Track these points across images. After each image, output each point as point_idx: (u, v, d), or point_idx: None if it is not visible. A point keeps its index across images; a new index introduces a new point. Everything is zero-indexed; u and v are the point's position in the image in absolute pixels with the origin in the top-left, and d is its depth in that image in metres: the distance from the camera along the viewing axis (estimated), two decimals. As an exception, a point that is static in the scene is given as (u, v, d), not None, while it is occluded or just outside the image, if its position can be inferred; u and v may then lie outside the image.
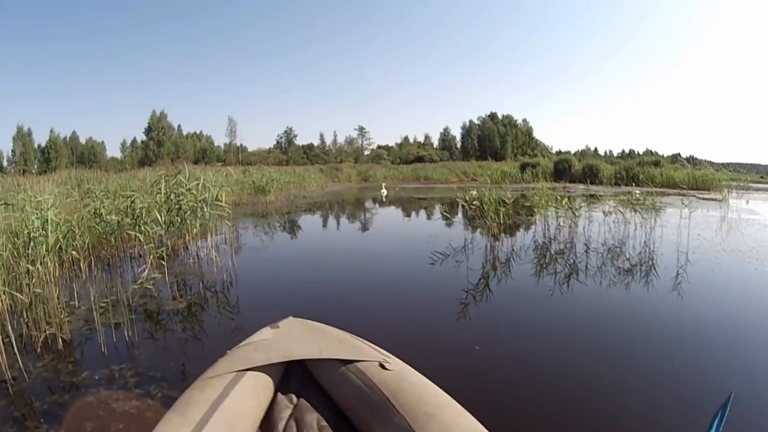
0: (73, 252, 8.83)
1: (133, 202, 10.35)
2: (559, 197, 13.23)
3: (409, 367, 3.59)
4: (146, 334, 6.18)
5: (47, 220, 7.68)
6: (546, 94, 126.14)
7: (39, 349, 5.64)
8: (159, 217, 9.80)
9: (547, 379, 4.76)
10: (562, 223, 12.57)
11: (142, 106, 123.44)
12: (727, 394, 2.88)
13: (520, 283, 8.39)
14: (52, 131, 68.45)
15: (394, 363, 3.59)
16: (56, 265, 7.91)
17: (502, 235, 12.10)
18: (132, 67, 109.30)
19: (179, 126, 75.19)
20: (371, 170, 51.52)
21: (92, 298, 6.28)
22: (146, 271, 7.53)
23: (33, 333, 5.86)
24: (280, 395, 3.71)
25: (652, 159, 44.85)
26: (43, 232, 7.61)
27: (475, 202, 12.09)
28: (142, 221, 9.99)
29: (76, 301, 7.17)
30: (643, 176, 33.44)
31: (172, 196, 10.67)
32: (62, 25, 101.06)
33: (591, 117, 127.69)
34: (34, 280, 6.53)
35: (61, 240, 8.39)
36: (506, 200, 12.24)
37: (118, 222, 10.22)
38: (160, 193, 10.47)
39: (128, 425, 3.97)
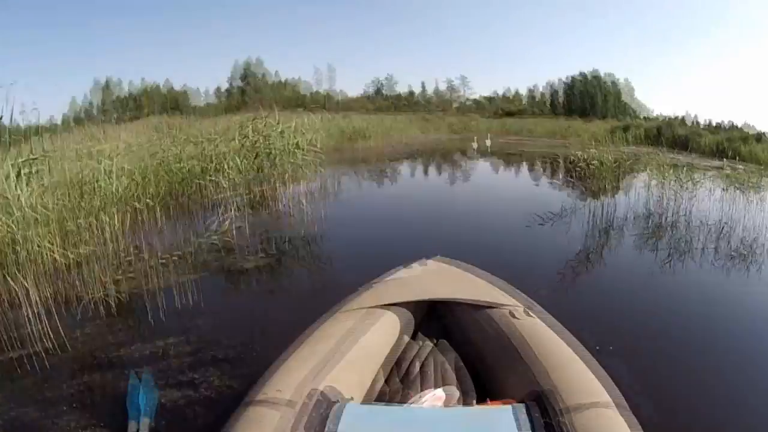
0: (147, 201, 8.06)
1: (216, 146, 9.39)
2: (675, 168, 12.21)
3: (547, 315, 3.61)
4: (216, 296, 5.69)
5: (111, 169, 7.33)
6: (648, 55, 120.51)
7: (89, 313, 5.13)
8: (238, 162, 8.91)
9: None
10: (671, 194, 11.51)
11: (235, 55, 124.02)
12: None
13: (632, 257, 8.11)
14: (143, 80, 68.16)
15: (533, 311, 3.61)
16: (121, 216, 7.34)
17: (614, 199, 11.58)
18: (223, 17, 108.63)
19: (276, 72, 74.18)
20: (466, 121, 50.65)
21: (158, 253, 5.53)
22: (227, 222, 6.75)
23: (83, 295, 5.35)
24: (415, 334, 3.84)
25: (756, 134, 41.97)
26: (109, 181, 7.26)
27: (593, 162, 11.43)
28: (225, 166, 9.06)
29: (144, 256, 6.61)
30: (743, 151, 32.21)
31: (261, 140, 9.72)
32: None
33: (692, 82, 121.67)
34: (88, 236, 5.75)
35: (130, 189, 7.94)
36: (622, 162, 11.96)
37: (202, 168, 9.31)
38: (247, 137, 9.58)
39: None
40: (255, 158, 9.72)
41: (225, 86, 71.73)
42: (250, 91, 67.50)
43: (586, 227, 9.60)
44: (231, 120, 17.09)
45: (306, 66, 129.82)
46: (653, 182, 11.82)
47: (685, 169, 12.03)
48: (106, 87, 66.57)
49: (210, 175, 9.09)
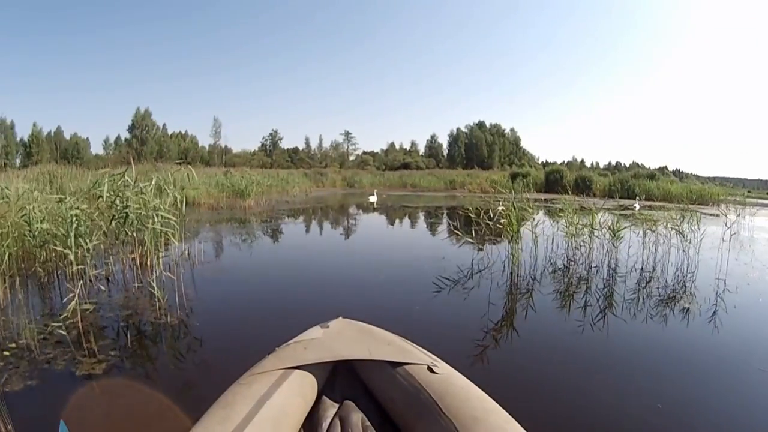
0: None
1: (71, 207, 7.98)
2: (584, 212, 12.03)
3: (456, 371, 3.54)
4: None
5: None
6: (532, 105, 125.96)
7: None
8: (84, 228, 7.61)
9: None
10: (582, 242, 11.25)
11: (127, 103, 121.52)
12: None
13: (546, 312, 7.44)
14: (34, 125, 67.34)
15: (442, 367, 3.54)
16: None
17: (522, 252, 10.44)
18: (119, 65, 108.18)
19: (164, 125, 74.60)
20: (357, 176, 50.31)
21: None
22: (73, 303, 5.91)
23: None
24: (326, 394, 3.71)
25: (647, 172, 43.70)
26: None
27: (502, 220, 10.43)
28: (78, 233, 7.72)
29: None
30: (640, 189, 32.64)
31: (118, 201, 8.41)
32: (49, 20, 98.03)
33: (577, 128, 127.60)
34: None
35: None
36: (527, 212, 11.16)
37: (51, 233, 8.01)
38: (102, 197, 8.27)
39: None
40: (111, 221, 8.34)
41: (123, 136, 71.61)
42: (136, 144, 66.84)
43: (495, 284, 8.91)
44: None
45: (200, 118, 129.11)
46: (565, 231, 11.43)
47: (599, 215, 11.71)
48: (11, 128, 65.48)
49: (60, 242, 7.74)
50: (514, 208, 9.92)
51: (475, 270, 9.81)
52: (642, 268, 10.22)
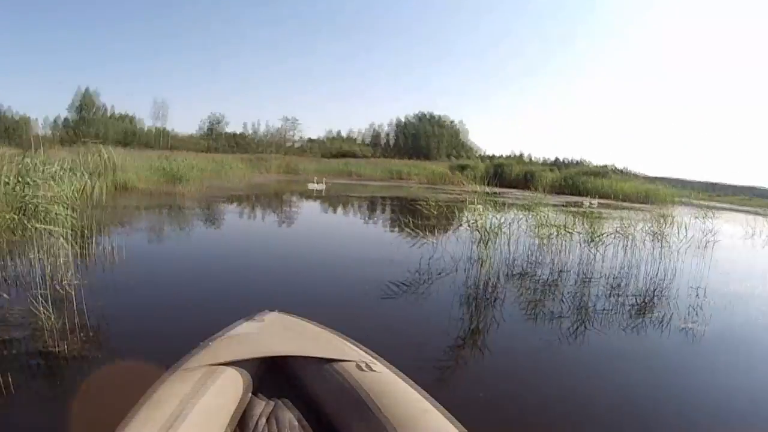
0: None
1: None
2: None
3: (391, 369, 3.53)
4: None
5: None
6: (479, 98, 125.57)
7: None
8: None
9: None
10: (547, 243, 10.70)
11: (73, 85, 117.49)
12: None
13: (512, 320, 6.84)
14: None
15: (376, 364, 3.54)
16: None
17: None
18: (67, 47, 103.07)
19: (112, 107, 72.45)
20: (298, 163, 49.30)
21: None
22: None
23: None
24: (258, 392, 3.60)
25: (596, 169, 43.23)
26: None
27: (478, 221, 9.25)
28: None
29: None
30: (590, 186, 32.07)
31: (18, 188, 7.19)
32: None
33: (522, 123, 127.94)
34: None
35: None
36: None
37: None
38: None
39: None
40: (11, 212, 7.05)
41: (64, 116, 68.82)
42: (82, 125, 64.16)
43: (448, 285, 8.31)
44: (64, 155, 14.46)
45: (145, 100, 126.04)
46: (535, 232, 10.82)
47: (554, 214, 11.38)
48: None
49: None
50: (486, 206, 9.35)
51: (426, 270, 9.13)
52: (614, 275, 9.56)
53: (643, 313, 7.39)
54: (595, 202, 24.79)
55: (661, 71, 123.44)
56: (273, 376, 3.79)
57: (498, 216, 9.67)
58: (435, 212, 10.61)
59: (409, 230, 9.98)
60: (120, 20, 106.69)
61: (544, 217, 10.79)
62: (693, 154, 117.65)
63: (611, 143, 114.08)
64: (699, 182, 41.46)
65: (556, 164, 57.83)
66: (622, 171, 43.62)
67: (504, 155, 75.06)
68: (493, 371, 5.21)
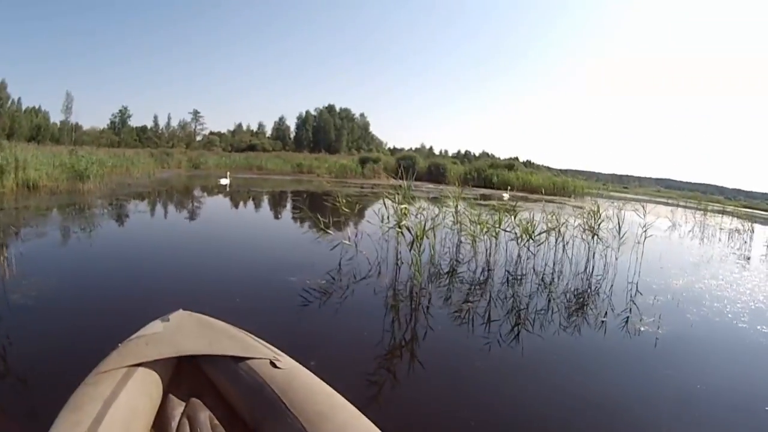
0: None
1: None
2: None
3: (301, 366, 3.53)
4: None
5: None
6: (383, 91, 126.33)
7: None
8: None
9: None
10: (471, 240, 10.35)
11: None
12: None
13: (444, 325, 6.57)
14: None
15: (285, 361, 3.56)
16: None
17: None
18: None
19: (19, 99, 69.31)
20: (203, 157, 48.70)
21: None
22: None
23: None
24: (172, 391, 3.56)
25: (503, 162, 44.13)
26: None
27: (402, 219, 9.22)
28: None
29: None
30: (498, 179, 33.14)
31: None
32: None
33: (425, 117, 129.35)
34: None
35: None
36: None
37: None
38: None
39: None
40: None
41: None
42: (3, 116, 61.40)
43: (362, 280, 8.39)
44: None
45: (53, 92, 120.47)
46: (460, 228, 10.81)
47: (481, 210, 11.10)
48: None
49: None
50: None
51: (343, 273, 8.83)
52: (547, 272, 9.53)
53: (580, 313, 7.31)
54: (506, 195, 24.69)
55: (567, 64, 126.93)
56: (187, 375, 3.80)
57: (422, 213, 9.64)
58: (347, 209, 10.54)
59: (321, 229, 10.10)
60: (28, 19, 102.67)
61: (471, 213, 10.65)
62: (599, 147, 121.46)
63: (515, 137, 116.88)
64: (607, 174, 43.02)
65: (459, 157, 58.83)
66: (529, 164, 44.73)
67: (407, 148, 75.84)
68: (424, 380, 5.05)
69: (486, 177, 35.02)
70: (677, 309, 7.81)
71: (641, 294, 8.50)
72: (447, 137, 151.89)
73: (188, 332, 3.92)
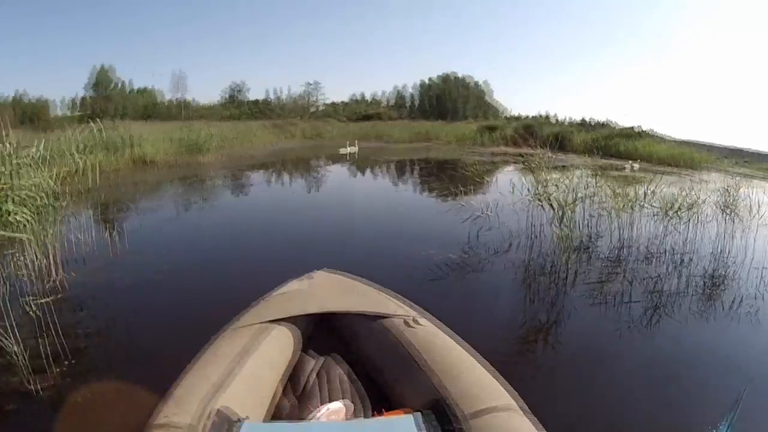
0: None
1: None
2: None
3: (438, 326, 3.58)
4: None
5: None
6: (504, 58, 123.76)
7: None
8: None
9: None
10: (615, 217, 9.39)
11: (89, 63, 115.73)
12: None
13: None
14: None
15: (422, 320, 3.63)
16: None
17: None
18: (78, 23, 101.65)
19: (130, 81, 69.80)
20: (321, 127, 48.42)
21: None
22: None
23: None
24: (308, 347, 3.78)
25: (628, 131, 41.74)
26: None
27: (550, 193, 8.62)
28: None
29: None
30: (622, 149, 32.19)
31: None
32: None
33: (549, 83, 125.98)
34: None
35: None
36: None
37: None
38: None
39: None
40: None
41: (81, 95, 66.34)
42: (101, 101, 63.04)
43: (490, 247, 8.36)
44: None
45: (164, 73, 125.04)
46: (615, 205, 9.48)
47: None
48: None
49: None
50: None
51: (477, 245, 8.61)
52: (683, 251, 8.61)
53: (717, 298, 6.69)
54: (636, 165, 23.83)
55: (685, 34, 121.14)
56: (323, 332, 3.96)
57: (557, 184, 8.85)
58: (477, 178, 10.41)
59: (451, 197, 10.09)
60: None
61: (611, 186, 9.84)
62: (718, 118, 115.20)
63: (635, 105, 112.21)
64: (725, 147, 39.78)
65: (583, 125, 56.49)
66: (649, 134, 42.13)
67: (530, 116, 73.62)
68: (559, 360, 4.91)
69: (609, 146, 33.14)
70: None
71: None
72: (568, 105, 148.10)
73: (328, 290, 4.09)
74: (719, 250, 8.80)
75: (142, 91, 71.06)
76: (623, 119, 71.04)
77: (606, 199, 9.50)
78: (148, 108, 65.62)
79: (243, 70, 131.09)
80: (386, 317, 3.62)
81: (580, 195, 9.01)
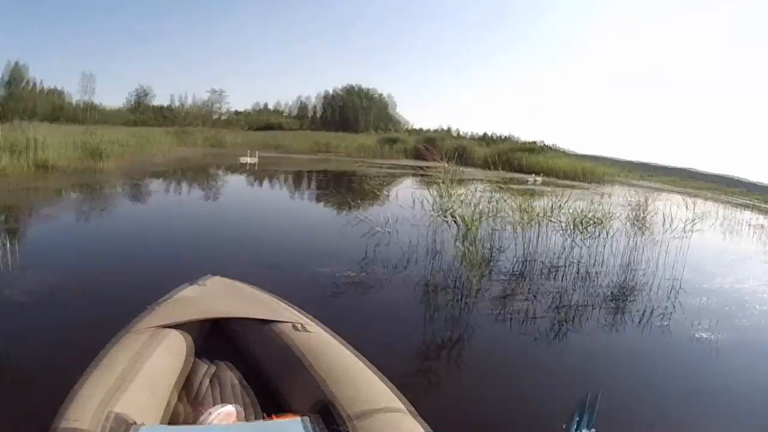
0: None
1: None
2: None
3: (326, 331, 3.75)
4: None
5: None
6: (407, 72, 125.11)
7: None
8: None
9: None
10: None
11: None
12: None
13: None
14: None
15: (311, 325, 3.77)
16: None
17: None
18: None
19: (41, 81, 67.92)
20: (222, 135, 47.89)
21: None
22: None
23: None
24: (202, 353, 3.75)
25: (529, 145, 43.13)
26: None
27: (455, 208, 8.48)
28: None
29: None
30: (524, 162, 32.39)
31: None
32: None
33: (449, 98, 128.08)
34: None
35: None
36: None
37: None
38: None
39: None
40: None
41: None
42: (10, 101, 60.68)
43: (380, 255, 8.51)
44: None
45: (73, 74, 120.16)
46: (520, 218, 9.62)
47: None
48: None
49: None
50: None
51: (375, 259, 8.52)
52: (588, 264, 8.85)
53: (623, 309, 6.95)
54: (539, 179, 24.49)
55: (587, 49, 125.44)
56: (216, 337, 3.95)
57: (469, 200, 8.84)
58: (377, 191, 10.74)
59: (350, 211, 9.63)
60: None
61: (514, 200, 9.87)
62: (619, 133, 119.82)
63: (538, 120, 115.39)
64: (627, 161, 41.76)
65: (485, 139, 57.81)
66: (551, 148, 43.73)
67: (432, 129, 74.75)
68: (463, 375, 4.83)
69: (511, 160, 33.59)
70: (726, 311, 7.33)
71: (685, 292, 7.94)
72: (470, 120, 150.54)
73: (219, 296, 4.16)
74: (628, 263, 9.16)
75: (52, 92, 69.53)
76: (524, 134, 72.98)
77: (511, 213, 9.48)
78: (56, 109, 64.04)
79: (150, 72, 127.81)
80: (276, 322, 3.72)
81: (483, 210, 8.85)
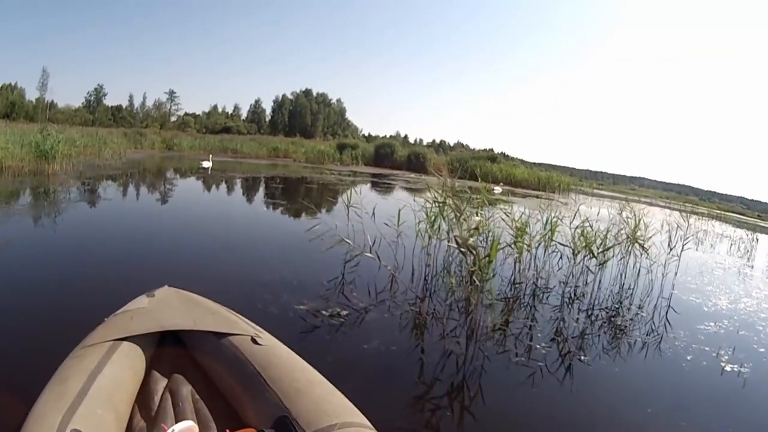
0: None
1: None
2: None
3: (281, 343, 3.69)
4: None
5: None
6: (360, 80, 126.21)
7: None
8: None
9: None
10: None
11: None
12: None
13: None
14: None
15: (266, 338, 3.70)
16: None
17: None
18: None
19: None
20: (177, 138, 46.98)
21: None
22: None
23: None
24: (156, 366, 3.69)
25: (485, 153, 43.42)
26: None
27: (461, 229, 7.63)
28: None
29: None
30: (481, 171, 32.02)
31: None
32: None
33: (403, 107, 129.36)
34: None
35: None
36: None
37: None
38: None
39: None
40: None
41: None
42: None
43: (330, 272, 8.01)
44: None
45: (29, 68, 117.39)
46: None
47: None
48: None
49: None
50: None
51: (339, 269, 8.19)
52: (576, 282, 8.72)
53: (621, 334, 6.79)
54: (498, 189, 24.59)
55: (542, 57, 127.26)
56: (170, 350, 3.88)
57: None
58: (335, 197, 10.73)
59: (311, 217, 9.37)
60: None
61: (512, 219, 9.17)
62: (573, 141, 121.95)
63: (490, 128, 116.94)
64: (581, 170, 42.39)
65: (439, 146, 58.30)
66: (505, 156, 44.15)
67: (386, 135, 75.36)
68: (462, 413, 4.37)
69: (468, 168, 33.62)
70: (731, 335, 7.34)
71: (677, 313, 8.00)
72: (422, 127, 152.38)
73: (172, 308, 4.03)
74: (627, 286, 9.05)
75: (7, 88, 68.58)
76: (475, 142, 73.47)
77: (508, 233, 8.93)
78: (12, 106, 62.72)
79: (107, 71, 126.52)
80: (231, 335, 3.67)
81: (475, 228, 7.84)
